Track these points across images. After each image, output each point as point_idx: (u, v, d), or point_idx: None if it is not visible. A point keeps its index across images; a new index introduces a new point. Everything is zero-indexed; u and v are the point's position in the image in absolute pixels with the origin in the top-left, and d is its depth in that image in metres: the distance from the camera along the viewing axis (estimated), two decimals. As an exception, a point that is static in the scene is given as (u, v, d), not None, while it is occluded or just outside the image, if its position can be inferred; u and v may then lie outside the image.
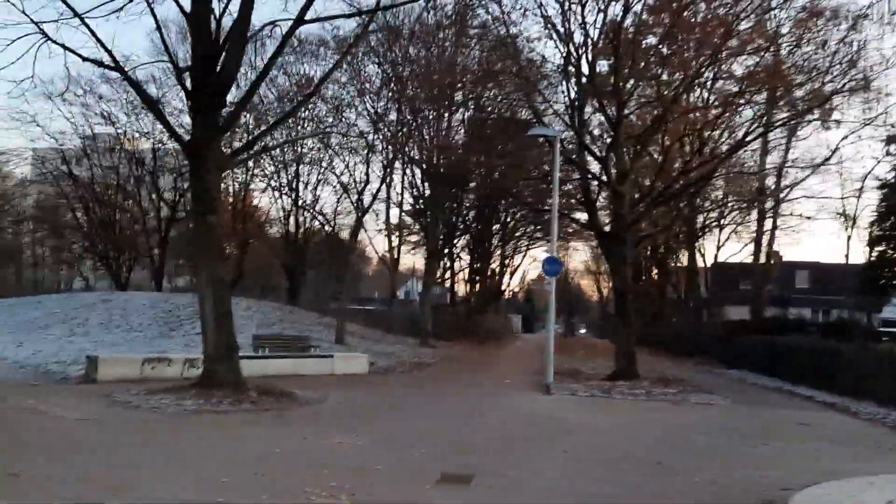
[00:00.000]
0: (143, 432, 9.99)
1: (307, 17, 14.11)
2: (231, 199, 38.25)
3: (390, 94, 31.42)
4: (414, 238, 44.14)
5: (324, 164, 35.10)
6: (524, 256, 58.57)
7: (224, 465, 7.99)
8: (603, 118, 22.12)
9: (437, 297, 45.33)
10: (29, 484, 6.84)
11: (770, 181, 33.30)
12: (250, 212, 40.81)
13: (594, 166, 23.25)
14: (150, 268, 41.67)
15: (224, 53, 13.79)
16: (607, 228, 23.28)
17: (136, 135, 38.92)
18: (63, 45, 13.95)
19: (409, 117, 32.10)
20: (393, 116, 32.68)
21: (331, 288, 39.78)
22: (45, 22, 13.76)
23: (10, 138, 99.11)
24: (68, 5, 13.06)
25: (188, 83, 14.48)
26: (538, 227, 48.34)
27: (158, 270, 40.48)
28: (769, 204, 34.26)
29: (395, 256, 38.68)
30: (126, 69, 15.96)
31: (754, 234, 37.46)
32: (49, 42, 13.71)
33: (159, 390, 13.27)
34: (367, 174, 32.47)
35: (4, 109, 50.67)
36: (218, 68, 13.70)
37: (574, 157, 22.05)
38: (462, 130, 36.51)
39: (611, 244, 20.97)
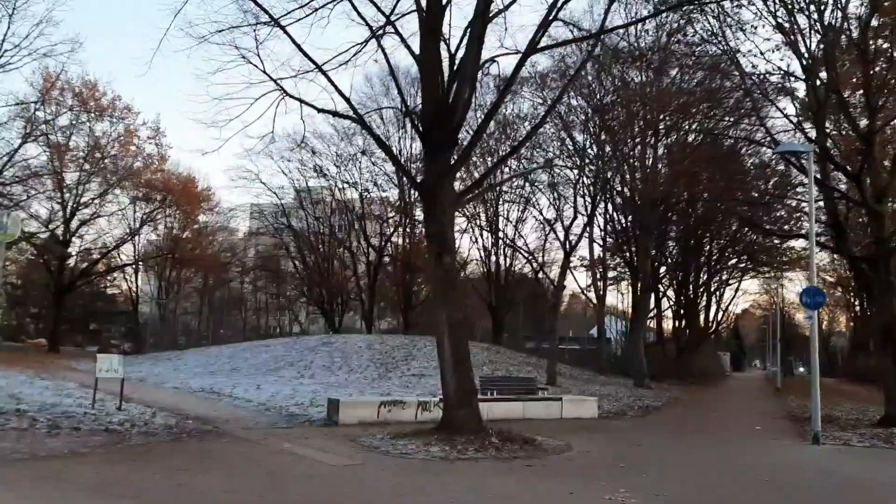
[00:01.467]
0: (408, 484, 9.67)
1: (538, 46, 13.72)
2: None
3: (594, 126, 30.58)
4: (611, 274, 42.58)
5: (525, 199, 34.80)
6: (736, 290, 54.78)
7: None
8: (849, 130, 19.74)
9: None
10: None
11: None
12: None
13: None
14: (360, 310, 43.52)
15: (453, 94, 13.74)
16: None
17: (345, 185, 41.40)
18: (300, 99, 14.66)
19: (610, 148, 31.04)
20: (595, 150, 31.78)
21: (533, 327, 39.09)
22: (283, 79, 14.61)
23: (237, 195, 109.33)
24: (310, 59, 13.69)
25: (419, 126, 14.57)
26: (748, 258, 44.89)
27: (368, 313, 42.13)
28: None
29: (602, 293, 37.14)
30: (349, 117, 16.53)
31: None
32: (286, 98, 14.49)
33: (402, 435, 13.15)
34: (574, 210, 31.66)
35: (234, 170, 56.90)
36: (448, 109, 13.65)
37: (818, 175, 19.77)
38: (665, 160, 34.71)
39: (870, 272, 18.39)
